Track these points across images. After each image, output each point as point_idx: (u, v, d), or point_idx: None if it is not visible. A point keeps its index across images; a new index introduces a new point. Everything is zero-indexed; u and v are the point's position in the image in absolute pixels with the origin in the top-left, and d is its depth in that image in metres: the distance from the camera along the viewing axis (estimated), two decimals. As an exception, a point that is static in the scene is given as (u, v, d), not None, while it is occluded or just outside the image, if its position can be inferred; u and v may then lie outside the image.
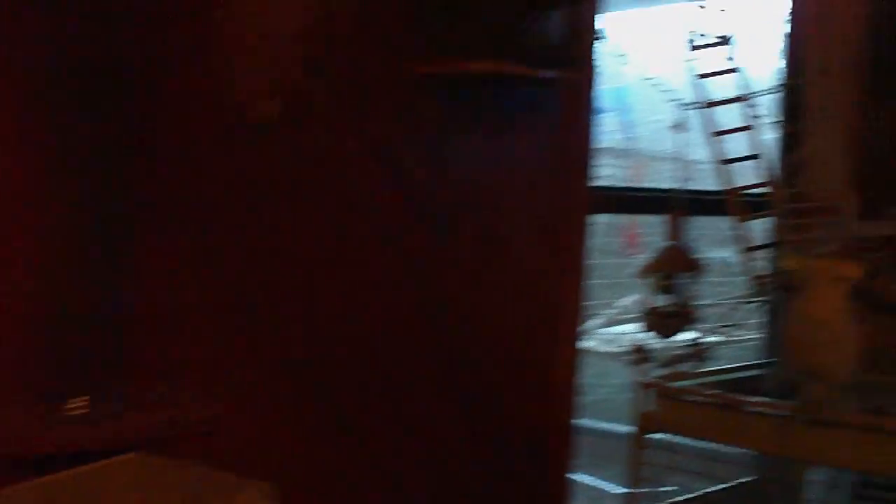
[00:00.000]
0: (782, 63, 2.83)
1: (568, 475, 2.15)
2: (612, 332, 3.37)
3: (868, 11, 2.16)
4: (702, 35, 1.99)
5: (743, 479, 2.25)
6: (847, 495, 2.19)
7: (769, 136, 2.56)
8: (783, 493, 2.21)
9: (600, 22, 2.03)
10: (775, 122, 2.71)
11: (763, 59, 2.98)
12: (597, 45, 2.01)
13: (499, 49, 1.74)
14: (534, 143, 1.99)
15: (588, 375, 3.45)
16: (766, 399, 1.90)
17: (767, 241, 2.64)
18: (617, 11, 2.71)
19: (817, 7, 2.13)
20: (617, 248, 3.30)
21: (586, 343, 3.06)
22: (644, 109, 3.13)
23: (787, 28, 2.82)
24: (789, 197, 1.92)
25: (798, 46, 2.76)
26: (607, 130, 3.03)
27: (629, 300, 3.37)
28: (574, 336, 2.11)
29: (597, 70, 1.99)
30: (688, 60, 1.97)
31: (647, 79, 2.19)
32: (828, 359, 1.70)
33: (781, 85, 2.73)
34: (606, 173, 3.02)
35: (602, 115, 2.20)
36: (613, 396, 3.59)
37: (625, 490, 1.98)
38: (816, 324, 1.70)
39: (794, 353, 1.71)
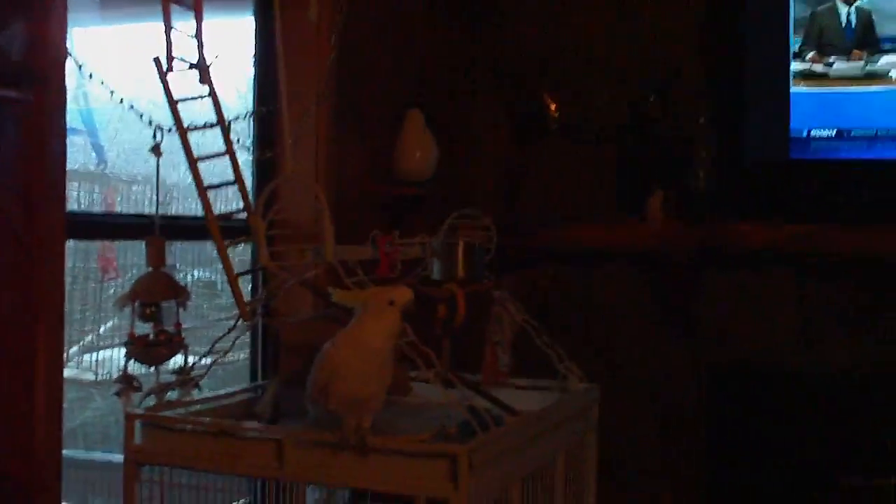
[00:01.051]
0: (254, 88, 2.89)
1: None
2: (94, 358, 3.22)
3: (336, 38, 2.28)
4: (174, 58, 1.94)
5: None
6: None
7: (244, 162, 2.60)
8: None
9: (66, 38, 1.91)
10: (249, 148, 2.76)
11: (235, 83, 3.02)
12: (64, 62, 1.89)
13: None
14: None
15: (74, 399, 3.27)
16: (261, 424, 1.91)
17: (250, 267, 2.68)
18: (85, 27, 2.59)
19: (284, 34, 2.19)
20: (93, 272, 3.16)
21: (69, 371, 2.89)
22: (116, 131, 3.02)
23: (257, 54, 2.89)
24: (266, 224, 1.95)
25: (268, 73, 2.84)
26: (76, 153, 2.89)
27: (110, 325, 3.25)
28: (54, 374, 1.96)
29: (64, 89, 1.87)
30: (161, 82, 1.92)
31: (120, 99, 2.10)
32: (376, 388, 1.74)
33: (254, 111, 2.79)
34: (77, 198, 2.87)
35: (71, 137, 2.08)
36: (102, 420, 3.45)
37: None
38: (370, 353, 1.72)
39: (341, 382, 1.72)
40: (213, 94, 1.99)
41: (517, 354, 2.24)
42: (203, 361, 2.04)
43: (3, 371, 1.88)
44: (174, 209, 3.03)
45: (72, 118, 2.61)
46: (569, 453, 2.14)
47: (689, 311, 3.38)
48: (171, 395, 2.01)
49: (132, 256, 3.14)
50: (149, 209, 2.52)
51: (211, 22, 2.04)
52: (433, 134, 3.24)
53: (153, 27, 1.98)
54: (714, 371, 3.34)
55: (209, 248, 3.29)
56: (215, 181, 1.99)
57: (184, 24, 1.99)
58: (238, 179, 1.98)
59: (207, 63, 1.97)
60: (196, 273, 3.37)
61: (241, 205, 2.02)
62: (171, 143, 2.21)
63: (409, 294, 1.75)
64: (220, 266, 3.32)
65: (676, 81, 3.36)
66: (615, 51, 3.47)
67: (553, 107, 3.36)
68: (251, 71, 2.90)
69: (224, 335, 2.02)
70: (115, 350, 3.12)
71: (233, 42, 2.94)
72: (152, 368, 2.16)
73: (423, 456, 1.68)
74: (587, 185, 3.38)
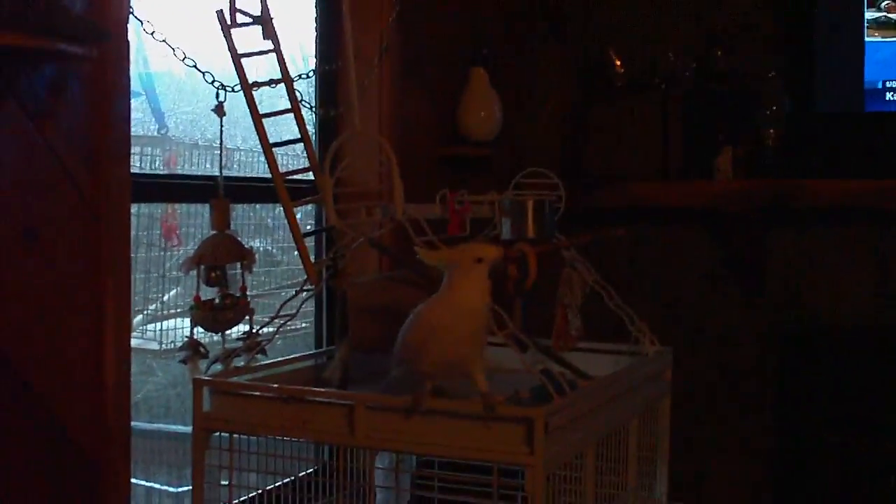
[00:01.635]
0: (317, 47, 2.85)
1: (126, 480, 1.99)
2: (159, 328, 3.22)
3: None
4: (237, 13, 1.90)
5: (307, 471, 2.22)
6: (410, 478, 2.25)
7: (309, 121, 2.56)
8: (349, 482, 2.22)
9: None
10: (314, 107, 2.72)
11: (298, 42, 2.98)
12: (127, 18, 1.85)
13: (14, 19, 1.52)
14: (63, 126, 1.80)
15: (136, 374, 3.29)
16: (331, 389, 1.88)
17: (317, 228, 2.65)
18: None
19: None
20: (157, 240, 3.15)
21: (133, 341, 2.89)
22: (178, 93, 3.00)
23: (319, 12, 2.85)
24: (333, 182, 1.90)
25: (330, 32, 2.80)
26: (137, 117, 2.87)
27: (174, 294, 3.24)
28: (121, 335, 1.94)
29: (128, 45, 1.84)
30: (225, 36, 1.88)
31: (182, 56, 2.07)
32: (471, 349, 1.69)
33: (317, 69, 2.75)
34: (140, 162, 2.85)
35: (134, 98, 2.05)
36: (163, 394, 3.46)
37: (187, 489, 1.87)
38: (464, 312, 1.67)
39: (436, 343, 1.67)
40: (277, 49, 1.94)
41: (588, 316, 2.18)
42: (267, 330, 2.01)
43: (72, 340, 1.87)
44: (239, 173, 3.01)
45: (137, 78, 2.59)
46: (642, 417, 2.10)
47: (761, 270, 3.29)
48: (238, 361, 1.99)
49: (195, 225, 3.13)
50: (212, 173, 2.50)
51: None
52: (498, 92, 3.18)
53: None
54: (787, 333, 3.26)
55: (267, 217, 3.28)
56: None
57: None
58: (304, 136, 1.94)
59: (271, 16, 1.93)
60: (254, 243, 3.35)
61: (307, 164, 1.98)
62: (233, 106, 2.18)
63: (497, 251, 1.70)
64: (277, 236, 3.32)
65: (744, 34, 3.26)
66: (682, 3, 3.38)
67: (618, 63, 3.28)
68: (312, 34, 2.87)
69: (291, 297, 1.99)
70: (179, 320, 3.11)
71: (294, 6, 2.90)
72: (218, 336, 2.14)
73: (497, 420, 1.63)
74: (655, 141, 3.29)
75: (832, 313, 3.21)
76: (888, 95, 3.07)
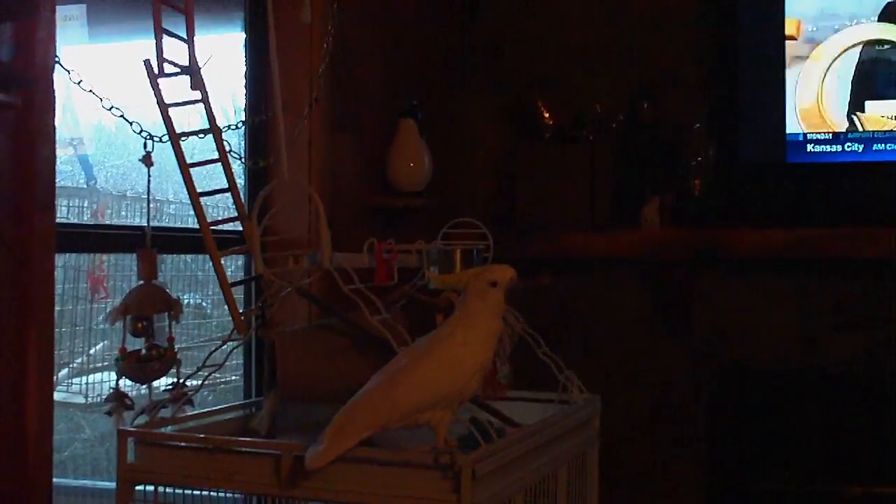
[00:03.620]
0: (246, 98, 2.86)
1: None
2: (84, 381, 3.17)
3: (328, 44, 2.24)
4: (165, 60, 1.90)
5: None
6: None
7: (237, 171, 2.55)
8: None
9: (55, 42, 1.87)
10: (242, 157, 2.72)
11: (230, 93, 2.99)
12: (52, 66, 1.84)
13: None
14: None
15: (61, 430, 3.21)
16: (260, 439, 1.86)
17: (245, 278, 2.63)
18: (72, 45, 2.54)
19: (277, 42, 2.16)
20: (84, 293, 3.11)
21: (58, 395, 2.84)
22: (108, 147, 2.99)
23: (248, 64, 2.86)
24: (260, 231, 1.90)
25: (259, 83, 2.82)
26: (67, 168, 2.84)
27: (99, 347, 3.20)
28: (45, 391, 1.91)
29: (53, 93, 1.83)
30: (152, 86, 1.88)
31: (108, 109, 2.06)
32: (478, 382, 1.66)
33: (246, 120, 2.75)
34: (68, 213, 2.82)
35: (61, 149, 2.04)
36: (89, 450, 3.39)
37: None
38: (483, 341, 1.64)
39: (460, 379, 1.63)
40: (204, 99, 1.94)
41: (516, 365, 2.19)
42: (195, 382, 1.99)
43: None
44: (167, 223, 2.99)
45: (62, 129, 2.56)
46: (571, 465, 2.10)
47: (688, 315, 3.35)
48: (164, 412, 1.96)
49: (123, 277, 3.09)
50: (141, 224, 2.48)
51: (201, 38, 2.00)
52: (427, 142, 3.21)
53: (142, 45, 1.94)
54: (714, 374, 3.32)
55: (198, 270, 3.25)
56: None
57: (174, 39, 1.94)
58: (231, 185, 1.94)
59: (199, 66, 1.93)
60: (185, 298, 3.32)
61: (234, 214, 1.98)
62: (164, 160, 2.17)
63: (510, 272, 1.65)
64: (208, 291, 3.30)
65: (670, 86, 3.34)
66: (609, 55, 3.45)
67: (546, 114, 3.33)
68: (241, 85, 2.88)
69: (218, 347, 1.97)
70: (105, 374, 3.07)
71: (222, 57, 2.91)
72: (144, 388, 2.11)
73: (425, 467, 1.63)
74: (583, 191, 3.34)
75: (758, 356, 3.28)
76: (809, 147, 3.16)
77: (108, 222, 2.88)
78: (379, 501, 1.69)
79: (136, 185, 2.93)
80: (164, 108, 1.88)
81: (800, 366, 3.23)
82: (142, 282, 2.09)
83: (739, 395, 3.27)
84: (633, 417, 3.35)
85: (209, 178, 2.18)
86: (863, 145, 3.11)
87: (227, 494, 2.00)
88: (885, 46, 3.11)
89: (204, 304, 3.42)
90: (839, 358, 3.19)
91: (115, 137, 2.94)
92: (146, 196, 2.12)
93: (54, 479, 1.98)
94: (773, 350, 3.27)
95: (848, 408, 3.13)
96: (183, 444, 1.81)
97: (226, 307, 1.91)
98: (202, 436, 1.81)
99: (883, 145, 3.10)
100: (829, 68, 3.14)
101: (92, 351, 3.26)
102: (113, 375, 2.10)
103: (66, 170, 2.83)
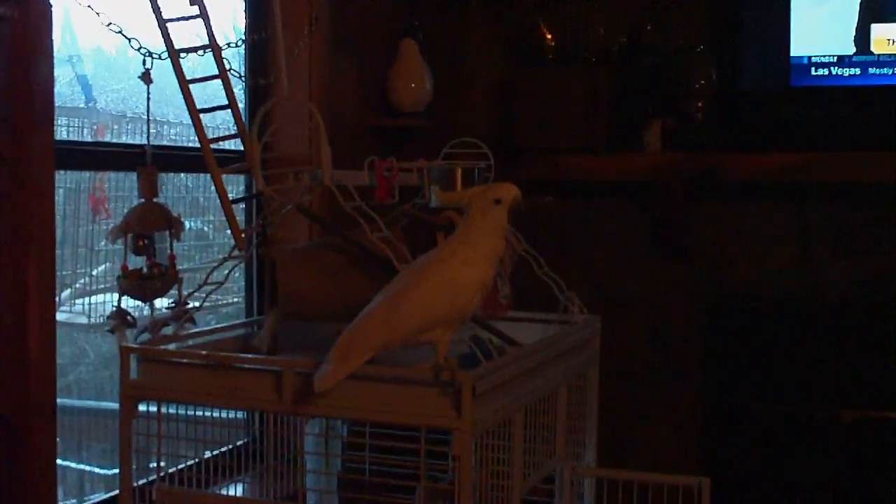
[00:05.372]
0: (246, 16, 2.83)
1: (53, 461, 1.96)
2: (87, 302, 3.18)
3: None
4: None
5: (238, 442, 2.22)
6: (342, 443, 2.25)
7: (238, 89, 2.53)
8: (280, 449, 2.21)
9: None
10: (242, 75, 2.70)
11: (231, 11, 2.95)
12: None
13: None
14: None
15: (65, 354, 3.24)
16: (261, 356, 1.87)
17: (246, 195, 2.63)
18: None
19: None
20: (85, 214, 3.10)
21: (61, 316, 2.85)
22: (107, 70, 2.96)
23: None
24: (260, 148, 1.89)
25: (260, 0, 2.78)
26: (66, 90, 2.83)
27: (102, 269, 3.20)
28: (46, 311, 1.91)
29: (50, 6, 1.80)
30: (150, 6, 1.86)
31: (107, 26, 2.03)
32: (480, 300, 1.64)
33: (246, 38, 2.72)
34: (68, 133, 2.81)
35: (60, 67, 2.01)
36: (93, 372, 3.42)
37: (115, 470, 1.85)
38: (485, 260, 1.63)
39: (460, 298, 1.62)
40: (203, 14, 1.92)
41: (517, 285, 2.19)
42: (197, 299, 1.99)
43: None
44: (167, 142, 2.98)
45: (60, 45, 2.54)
46: (570, 385, 2.12)
47: (687, 242, 3.35)
48: (167, 330, 1.97)
49: (123, 197, 3.08)
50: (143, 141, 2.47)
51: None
52: (428, 63, 3.18)
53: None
54: (713, 300, 3.33)
55: (199, 197, 3.24)
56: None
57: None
58: (231, 101, 1.93)
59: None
60: (187, 223, 3.33)
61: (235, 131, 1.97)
62: (165, 82, 2.15)
63: (515, 190, 1.64)
64: (210, 216, 3.29)
65: (674, 9, 3.30)
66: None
67: (549, 36, 3.29)
68: (241, 3, 2.84)
69: (219, 264, 1.97)
70: (108, 294, 3.07)
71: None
72: (146, 306, 2.12)
73: (426, 385, 1.64)
74: (583, 114, 3.32)
75: (757, 283, 3.28)
76: (813, 70, 3.13)
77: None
78: (380, 418, 1.71)
79: (137, 107, 2.92)
80: (162, 23, 1.86)
81: (799, 291, 3.24)
82: (143, 200, 2.08)
83: (738, 321, 3.28)
84: (631, 343, 3.37)
85: (212, 97, 2.16)
86: (868, 69, 3.08)
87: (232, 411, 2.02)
88: (894, -33, 3.06)
89: (206, 228, 3.42)
90: (839, 284, 3.20)
91: (114, 61, 2.92)
92: (146, 116, 2.10)
93: (58, 400, 2.00)
94: (772, 276, 3.27)
95: (846, 334, 3.14)
96: (185, 360, 1.82)
97: (228, 232, 1.90)
98: (204, 353, 1.83)
99: (889, 69, 3.07)
100: (835, -10, 3.10)
101: (94, 272, 3.27)
102: (115, 297, 2.11)
103: (66, 92, 2.81)
